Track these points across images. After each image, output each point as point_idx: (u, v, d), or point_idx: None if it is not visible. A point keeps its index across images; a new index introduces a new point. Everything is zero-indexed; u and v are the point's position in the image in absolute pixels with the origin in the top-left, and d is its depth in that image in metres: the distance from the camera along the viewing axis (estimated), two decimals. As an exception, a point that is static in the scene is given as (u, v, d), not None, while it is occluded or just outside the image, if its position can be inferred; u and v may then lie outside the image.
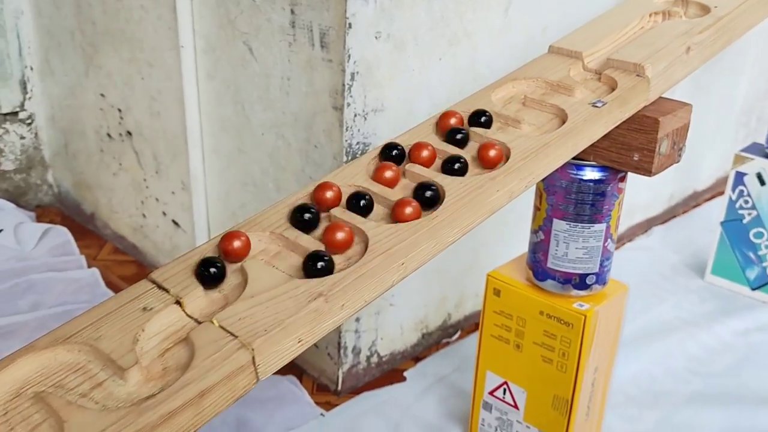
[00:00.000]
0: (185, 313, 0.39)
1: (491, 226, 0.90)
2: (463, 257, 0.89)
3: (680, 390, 0.85)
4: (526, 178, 0.47)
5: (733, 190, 1.00)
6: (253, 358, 0.36)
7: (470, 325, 0.95)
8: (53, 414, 0.33)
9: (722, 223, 1.02)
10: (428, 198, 0.45)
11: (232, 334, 0.36)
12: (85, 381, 0.35)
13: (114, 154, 1.04)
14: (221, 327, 0.37)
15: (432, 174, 0.47)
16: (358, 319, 0.80)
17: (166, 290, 0.39)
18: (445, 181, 0.46)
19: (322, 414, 0.78)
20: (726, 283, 1.04)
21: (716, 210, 1.11)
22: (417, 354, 0.89)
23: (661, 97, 0.58)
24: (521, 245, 0.71)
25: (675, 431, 0.78)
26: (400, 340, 0.86)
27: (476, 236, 0.89)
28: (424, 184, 0.46)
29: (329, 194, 0.45)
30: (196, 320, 0.38)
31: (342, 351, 0.80)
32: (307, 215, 0.44)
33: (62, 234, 1.08)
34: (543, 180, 0.62)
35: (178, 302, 0.39)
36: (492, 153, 0.48)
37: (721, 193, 1.19)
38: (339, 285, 0.39)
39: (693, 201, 1.28)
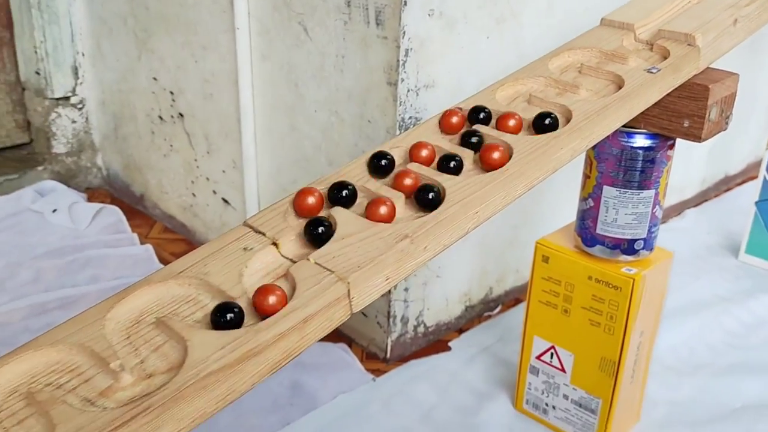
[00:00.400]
0: (281, 254, 0.42)
1: (532, 203, 0.93)
2: (505, 233, 0.92)
3: (718, 362, 0.87)
4: (587, 137, 0.50)
5: (768, 171, 1.02)
6: (349, 291, 0.39)
7: (510, 300, 0.98)
8: (174, 336, 0.37)
9: (757, 203, 1.04)
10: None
11: (328, 270, 0.40)
12: (197, 310, 0.39)
13: (165, 136, 1.08)
14: (317, 264, 0.40)
15: (497, 134, 0.50)
16: (406, 289, 0.83)
17: (263, 233, 0.43)
18: (513, 140, 0.49)
19: (373, 379, 0.82)
20: (760, 261, 1.06)
21: (748, 193, 1.13)
22: (460, 326, 0.92)
23: (708, 68, 0.61)
24: (559, 222, 0.74)
25: (714, 399, 0.81)
26: (445, 312, 0.89)
27: (517, 213, 0.92)
28: (491, 145, 0.49)
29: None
30: (291, 260, 0.42)
31: (391, 320, 0.83)
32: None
33: (114, 213, 1.12)
34: (593, 148, 0.65)
35: (274, 244, 0.42)
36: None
37: (753, 177, 1.21)
38: (422, 228, 0.42)
39: (725, 185, 1.30)
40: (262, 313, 0.38)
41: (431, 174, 0.47)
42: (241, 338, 0.36)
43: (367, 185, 0.46)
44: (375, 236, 0.42)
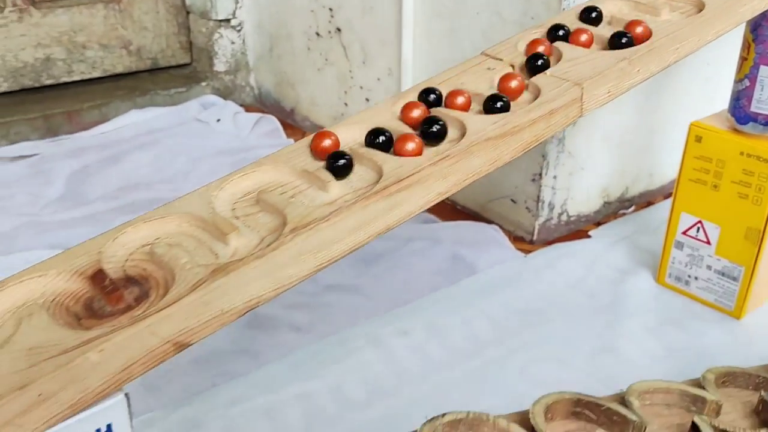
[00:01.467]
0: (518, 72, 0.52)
1: (663, 118, 0.99)
2: (642, 138, 0.99)
3: None
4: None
5: None
6: (582, 95, 0.48)
7: (643, 202, 1.05)
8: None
9: None
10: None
11: (564, 79, 0.49)
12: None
13: (321, 51, 1.19)
14: (553, 76, 0.49)
15: None
16: (555, 177, 0.92)
17: (500, 59, 0.52)
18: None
19: (524, 255, 0.91)
20: None
21: None
22: (598, 219, 1.00)
23: None
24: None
25: None
26: (586, 204, 0.97)
27: (652, 119, 0.99)
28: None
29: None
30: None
31: (540, 204, 0.92)
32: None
33: (271, 122, 1.25)
34: (752, 31, 0.72)
35: (512, 65, 0.52)
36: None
37: None
38: (637, 54, 0.51)
39: None
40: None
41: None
42: (506, 118, 0.45)
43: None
44: (598, 57, 0.51)
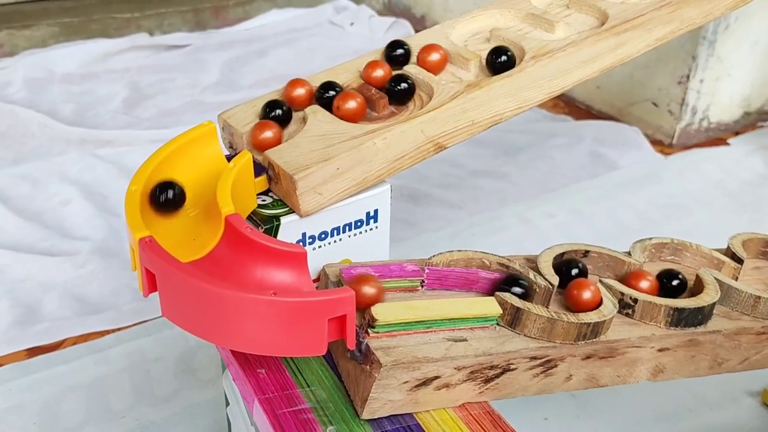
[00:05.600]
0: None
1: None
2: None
3: None
4: None
5: None
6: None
7: (781, 116, 1.05)
8: None
9: None
10: None
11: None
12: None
13: (459, -44, 1.21)
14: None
15: None
16: (701, 81, 0.93)
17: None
18: None
19: (664, 157, 0.93)
20: None
21: None
22: (737, 129, 1.01)
23: None
24: None
25: None
26: (727, 112, 0.98)
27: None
28: None
29: None
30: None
31: (683, 108, 0.94)
32: None
33: (405, 26, 1.28)
34: None
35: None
36: None
37: None
38: None
39: None
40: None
41: None
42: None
43: None
44: None
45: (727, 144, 0.98)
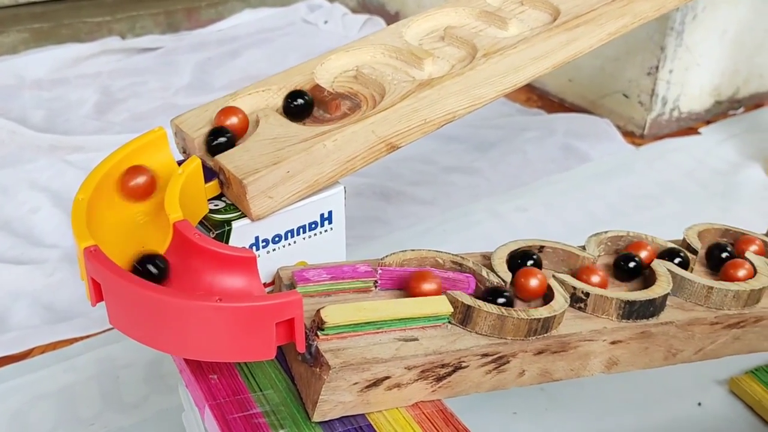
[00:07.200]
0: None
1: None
2: (758, 36, 0.99)
3: None
4: None
5: None
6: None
7: (752, 104, 1.05)
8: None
9: None
10: None
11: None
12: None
13: (430, -48, 1.21)
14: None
15: None
16: (671, 71, 0.93)
17: None
18: None
19: (635, 148, 0.94)
20: None
21: None
22: (708, 118, 1.02)
23: None
24: None
25: None
26: (698, 101, 0.99)
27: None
28: None
29: None
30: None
31: (653, 98, 0.94)
32: None
33: (379, 24, 1.28)
34: None
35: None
36: None
37: None
38: None
39: None
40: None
41: None
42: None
43: None
44: None
45: (699, 133, 0.98)
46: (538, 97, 1.08)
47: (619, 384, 0.58)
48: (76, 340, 0.64)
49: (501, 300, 0.37)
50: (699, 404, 0.57)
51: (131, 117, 1.01)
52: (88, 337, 0.64)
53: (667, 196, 0.85)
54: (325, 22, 1.30)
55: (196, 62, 1.15)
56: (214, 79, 1.11)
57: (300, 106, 0.42)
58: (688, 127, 1.00)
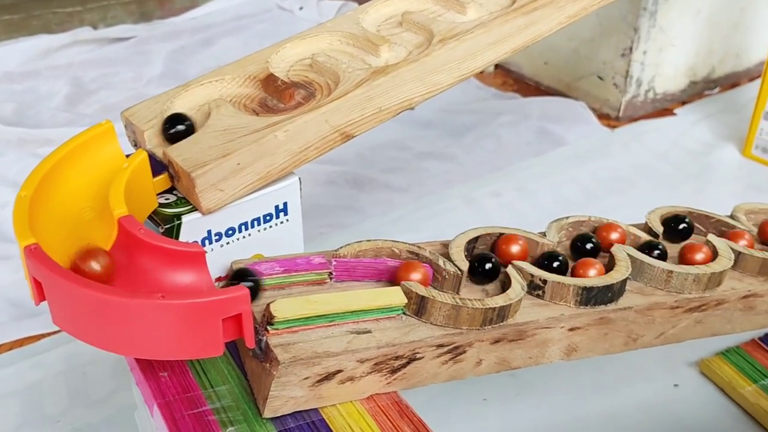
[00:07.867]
0: None
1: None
2: (734, 15, 0.99)
3: None
4: None
5: None
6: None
7: (728, 84, 1.05)
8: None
9: None
10: None
11: None
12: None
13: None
14: None
15: None
16: (645, 52, 0.93)
17: None
18: None
19: (610, 130, 0.93)
20: None
21: None
22: (683, 99, 1.01)
23: None
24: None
25: None
26: (673, 82, 0.98)
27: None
28: None
29: None
30: None
31: (628, 80, 0.94)
32: None
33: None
34: None
35: None
36: None
37: None
38: None
39: None
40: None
41: None
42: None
43: None
44: None
45: (674, 114, 0.98)
46: (514, 80, 1.08)
47: (590, 368, 0.58)
48: (43, 336, 0.63)
49: (556, 263, 0.39)
50: (675, 386, 0.57)
51: (102, 108, 1.00)
52: (55, 333, 0.63)
53: (641, 178, 0.84)
54: (301, 8, 1.29)
55: (168, 51, 1.13)
56: (187, 69, 1.10)
57: (179, 133, 0.40)
58: (663, 108, 1.00)
